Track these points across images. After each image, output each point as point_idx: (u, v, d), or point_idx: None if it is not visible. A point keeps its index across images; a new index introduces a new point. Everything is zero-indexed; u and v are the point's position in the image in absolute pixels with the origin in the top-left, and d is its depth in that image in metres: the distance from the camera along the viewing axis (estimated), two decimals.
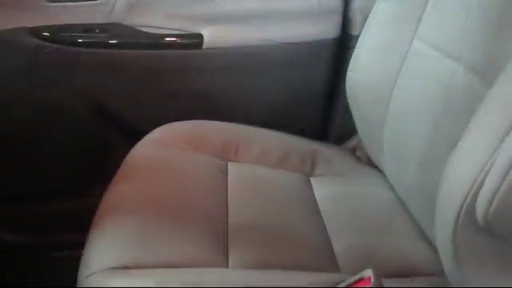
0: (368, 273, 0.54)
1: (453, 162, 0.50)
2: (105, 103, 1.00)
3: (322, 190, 0.84)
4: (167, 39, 0.98)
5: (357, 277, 0.54)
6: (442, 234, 0.52)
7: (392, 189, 0.83)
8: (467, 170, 0.47)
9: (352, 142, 0.99)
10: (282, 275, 0.58)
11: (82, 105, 0.99)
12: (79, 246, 1.05)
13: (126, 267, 0.55)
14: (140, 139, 0.90)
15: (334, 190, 0.85)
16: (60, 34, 0.94)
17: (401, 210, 0.78)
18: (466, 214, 0.47)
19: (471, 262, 0.49)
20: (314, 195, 0.83)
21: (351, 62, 0.90)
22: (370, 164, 0.92)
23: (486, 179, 0.44)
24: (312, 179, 0.87)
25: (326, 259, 0.65)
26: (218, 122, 0.92)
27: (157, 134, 0.90)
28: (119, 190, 0.74)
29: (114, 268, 0.55)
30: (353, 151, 0.98)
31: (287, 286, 0.56)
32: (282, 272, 0.58)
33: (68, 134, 1.02)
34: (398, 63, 0.79)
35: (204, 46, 0.96)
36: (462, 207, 0.47)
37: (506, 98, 0.49)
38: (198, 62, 0.98)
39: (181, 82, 0.99)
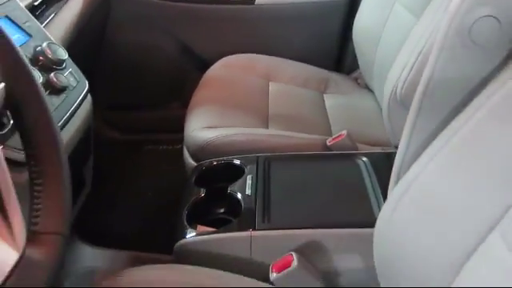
0: (344, 132, 0.98)
1: (391, 70, 0.93)
2: (186, 44, 1.45)
3: (330, 102, 1.25)
4: None
5: (337, 134, 0.99)
6: (385, 113, 0.95)
7: (376, 101, 1.24)
8: (395, 71, 0.89)
9: (355, 73, 1.40)
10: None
11: (171, 44, 1.45)
12: (163, 142, 1.53)
13: (213, 127, 1.02)
14: (206, 68, 1.35)
15: (339, 102, 1.26)
16: None
17: (379, 112, 1.20)
18: (393, 97, 0.89)
19: (398, 125, 0.92)
20: (324, 105, 1.25)
21: (356, 16, 1.30)
22: (367, 88, 1.34)
23: (403, 73, 0.86)
24: (324, 95, 1.29)
25: (324, 134, 1.09)
26: (262, 55, 1.36)
27: (222, 62, 1.34)
28: (201, 93, 1.20)
29: (206, 127, 1.02)
30: (355, 79, 1.39)
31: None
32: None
33: (160, 63, 1.48)
34: (384, 18, 1.18)
35: (256, 2, 1.39)
36: (391, 94, 0.90)
37: (426, 24, 0.87)
38: (251, 13, 1.41)
39: (238, 28, 1.42)
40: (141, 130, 1.57)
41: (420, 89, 0.52)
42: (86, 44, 1.24)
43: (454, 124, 0.52)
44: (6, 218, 0.40)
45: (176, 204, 0.85)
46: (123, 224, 1.19)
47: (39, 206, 0.42)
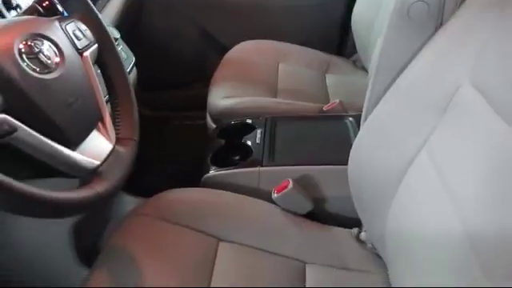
0: (337, 100, 1.20)
1: None
2: (209, 31, 1.69)
3: (331, 80, 1.46)
4: None
5: (331, 102, 1.21)
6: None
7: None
8: None
9: (354, 56, 1.61)
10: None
11: (195, 31, 1.69)
12: (188, 118, 1.75)
13: (230, 96, 1.25)
14: (225, 52, 1.58)
15: (338, 80, 1.48)
16: None
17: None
18: None
19: None
20: (325, 83, 1.47)
21: (355, 4, 1.51)
22: (363, 69, 1.56)
23: None
24: (326, 75, 1.51)
25: (323, 104, 1.30)
26: (274, 41, 1.59)
27: (239, 47, 1.56)
28: (221, 71, 1.44)
29: (225, 97, 1.26)
30: (354, 62, 1.61)
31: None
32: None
33: (186, 48, 1.72)
34: (378, 5, 1.39)
35: None
36: None
37: None
38: (265, 4, 1.64)
39: (253, 17, 1.65)
40: (168, 108, 1.81)
41: (376, 52, 0.74)
42: (124, 30, 1.48)
43: (399, 80, 0.74)
44: (104, 124, 0.63)
45: (201, 161, 1.07)
46: (159, 179, 1.43)
47: (119, 122, 0.66)
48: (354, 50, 1.59)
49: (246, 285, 0.77)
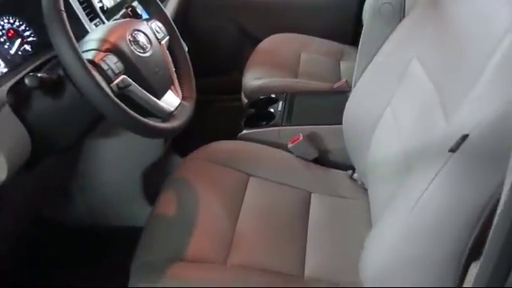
0: (344, 79, 1.51)
1: None
2: (243, 26, 2.03)
3: (344, 66, 1.78)
4: None
5: (340, 81, 1.52)
6: None
7: None
8: None
9: None
10: None
11: (232, 27, 2.04)
12: (225, 101, 2.10)
13: (260, 78, 1.59)
14: (258, 44, 1.92)
15: (349, 66, 1.78)
16: None
17: None
18: None
19: None
20: (339, 68, 1.79)
21: (366, 1, 1.80)
22: None
23: None
24: (340, 62, 1.82)
25: (334, 83, 1.62)
26: (297, 34, 1.91)
27: (268, 39, 1.90)
28: (254, 59, 1.77)
29: (256, 78, 1.60)
30: None
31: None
32: None
33: (224, 41, 2.07)
34: None
35: None
36: None
37: None
38: (290, 3, 1.97)
39: (280, 14, 1.99)
40: (208, 92, 2.16)
41: (360, 41, 1.06)
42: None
43: (375, 58, 1.06)
44: (174, 87, 0.99)
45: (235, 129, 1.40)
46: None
47: (182, 86, 1.01)
48: None
49: (267, 206, 1.11)
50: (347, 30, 1.97)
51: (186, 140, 1.73)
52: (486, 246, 0.52)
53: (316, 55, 1.81)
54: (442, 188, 0.63)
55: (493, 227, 0.51)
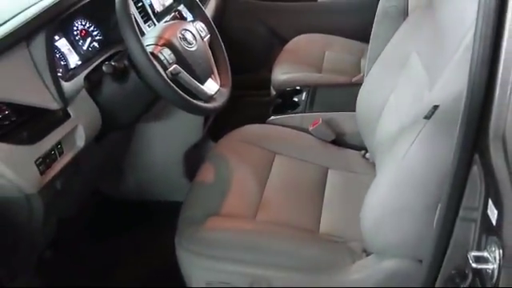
0: (361, 74, 1.70)
1: None
2: (273, 28, 2.24)
3: (363, 63, 1.97)
4: None
5: (358, 76, 1.71)
6: None
7: None
8: None
9: None
10: None
11: (262, 28, 2.25)
12: (255, 96, 2.32)
13: (287, 73, 1.80)
14: (286, 44, 2.12)
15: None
16: None
17: None
18: None
19: None
20: (360, 65, 1.97)
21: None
22: None
23: None
24: (361, 59, 2.00)
25: None
26: (321, 34, 2.11)
27: (295, 40, 2.10)
28: (282, 57, 1.98)
29: (283, 73, 1.81)
30: None
31: None
32: None
33: (255, 41, 2.28)
34: None
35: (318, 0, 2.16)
36: None
37: None
38: (315, 8, 2.17)
39: (306, 17, 2.19)
40: (238, 88, 2.38)
41: (370, 38, 1.25)
42: None
43: (383, 52, 1.24)
44: (214, 75, 1.21)
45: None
46: None
47: (220, 75, 1.23)
48: None
49: (290, 178, 1.30)
50: (368, 31, 2.14)
51: (219, 128, 1.96)
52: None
53: (339, 53, 2.00)
54: (420, 147, 0.81)
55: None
